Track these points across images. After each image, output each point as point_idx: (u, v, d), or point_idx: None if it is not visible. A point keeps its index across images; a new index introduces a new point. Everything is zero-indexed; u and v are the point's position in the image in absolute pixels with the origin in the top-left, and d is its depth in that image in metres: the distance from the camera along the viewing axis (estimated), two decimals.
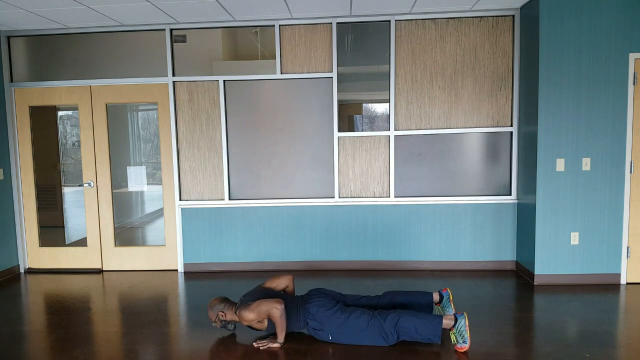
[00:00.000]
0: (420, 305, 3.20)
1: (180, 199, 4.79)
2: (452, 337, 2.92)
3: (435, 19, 4.45)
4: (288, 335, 3.09)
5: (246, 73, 4.63)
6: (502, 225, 4.58)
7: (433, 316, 2.92)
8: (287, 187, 4.73)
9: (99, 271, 4.93)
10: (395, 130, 4.56)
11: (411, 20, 4.46)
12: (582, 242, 4.10)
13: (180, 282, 4.53)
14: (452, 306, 3.21)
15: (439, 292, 3.28)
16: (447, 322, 2.89)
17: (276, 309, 2.92)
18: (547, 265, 4.14)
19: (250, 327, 3.08)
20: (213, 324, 3.17)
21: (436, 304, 3.28)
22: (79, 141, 4.92)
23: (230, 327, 3.15)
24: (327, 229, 4.70)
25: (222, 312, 3.10)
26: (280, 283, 3.31)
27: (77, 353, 2.98)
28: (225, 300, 3.17)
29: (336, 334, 2.99)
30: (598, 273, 4.12)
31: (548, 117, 4.01)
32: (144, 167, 5.53)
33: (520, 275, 4.43)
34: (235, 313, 3.07)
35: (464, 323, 2.85)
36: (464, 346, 2.84)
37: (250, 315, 2.96)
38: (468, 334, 2.84)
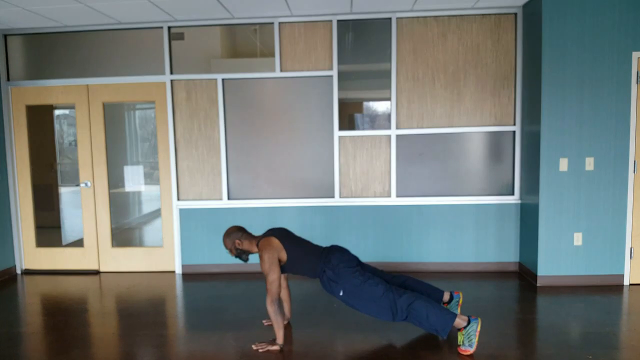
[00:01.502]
0: (430, 298, 3.16)
1: (178, 199, 4.74)
2: (460, 338, 2.87)
3: (437, 16, 4.40)
4: (287, 337, 3.06)
5: (245, 71, 4.58)
6: (504, 225, 4.54)
7: (448, 310, 2.88)
8: (287, 187, 4.68)
9: (96, 272, 4.88)
10: (396, 129, 4.51)
11: (413, 17, 4.41)
12: (586, 243, 4.06)
13: (178, 283, 4.48)
14: (459, 311, 3.18)
15: (451, 292, 3.25)
16: (459, 322, 2.85)
17: (268, 295, 2.87)
18: (550, 266, 4.10)
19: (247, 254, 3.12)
20: (227, 252, 3.14)
21: (444, 303, 3.24)
22: (75, 141, 4.87)
23: (245, 257, 3.12)
24: (327, 230, 4.65)
25: (239, 240, 3.07)
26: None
27: (74, 355, 2.94)
28: (244, 229, 3.15)
29: (348, 292, 2.95)
30: (601, 274, 4.08)
31: (551, 116, 3.97)
32: (141, 167, 5.48)
33: (523, 277, 4.39)
34: (257, 244, 3.04)
35: (475, 327, 2.80)
36: (469, 350, 2.80)
37: (265, 262, 2.91)
38: (476, 340, 2.79)
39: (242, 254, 3.11)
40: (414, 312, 2.85)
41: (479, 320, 2.84)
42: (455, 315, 2.85)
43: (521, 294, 3.96)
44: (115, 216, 5.02)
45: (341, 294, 2.98)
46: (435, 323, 2.83)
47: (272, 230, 3.16)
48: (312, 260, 3.04)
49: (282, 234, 3.10)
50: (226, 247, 3.12)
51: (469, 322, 2.83)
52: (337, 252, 3.07)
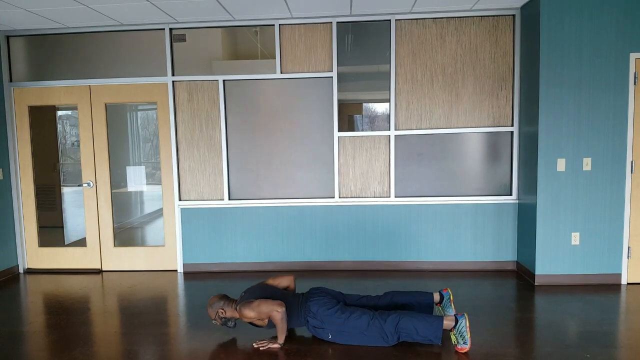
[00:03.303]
0: (421, 305, 3.19)
1: (180, 199, 4.78)
2: (453, 338, 2.91)
3: (435, 18, 4.43)
4: (288, 336, 3.08)
5: (246, 73, 4.62)
6: (502, 225, 4.57)
7: (433, 317, 2.91)
8: (287, 187, 4.72)
9: (98, 271, 4.91)
10: (395, 130, 4.55)
11: (411, 19, 4.44)
12: (583, 242, 4.09)
13: (179, 282, 4.51)
14: (453, 306, 3.20)
15: (440, 292, 3.27)
16: (447, 323, 2.88)
17: (277, 312, 2.91)
18: (547, 265, 4.13)
19: (251, 323, 3.07)
20: (213, 322, 3.15)
21: (437, 304, 3.26)
22: (78, 141, 4.91)
23: (231, 324, 3.13)
24: (327, 229, 4.68)
25: (222, 309, 3.08)
26: (282, 282, 3.33)
27: (76, 353, 2.97)
28: (225, 297, 3.16)
29: (336, 333, 2.98)
30: (599, 273, 4.11)
31: (549, 117, 4.00)
32: (143, 167, 5.52)
33: (521, 276, 4.42)
34: (236, 309, 3.05)
35: (464, 324, 2.84)
36: (465, 347, 2.83)
37: (250, 314, 2.95)
38: (469, 335, 2.83)
39: (227, 322, 3.11)
40: (403, 331, 2.89)
41: (466, 315, 2.87)
42: (441, 319, 2.88)
43: (519, 293, 3.99)
44: (117, 216, 5.06)
45: (330, 337, 3.00)
46: (426, 333, 2.86)
47: (247, 292, 3.15)
48: (293, 313, 3.06)
49: (256, 294, 3.09)
50: (211, 317, 3.12)
51: (456, 321, 2.87)
52: (315, 297, 3.09)
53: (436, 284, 4.19)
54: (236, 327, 3.20)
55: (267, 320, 3.01)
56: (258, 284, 3.27)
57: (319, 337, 3.05)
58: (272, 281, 3.32)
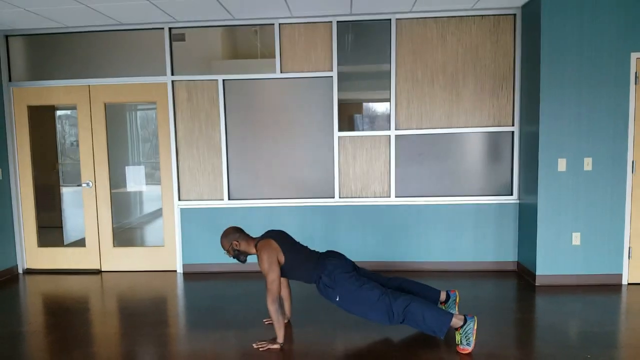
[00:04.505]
0: (427, 299, 3.18)
1: (179, 199, 4.76)
2: (457, 337, 2.89)
3: (436, 17, 4.42)
4: (287, 336, 3.08)
5: (246, 72, 4.61)
6: (503, 225, 4.56)
7: (444, 311, 2.90)
8: (287, 187, 4.71)
9: (98, 272, 4.90)
10: (396, 129, 4.54)
11: (412, 18, 4.43)
12: (584, 243, 4.08)
13: (179, 282, 4.50)
14: (457, 309, 3.19)
15: (447, 292, 3.27)
16: (456, 321, 2.87)
17: (269, 295, 2.88)
18: (548, 265, 4.12)
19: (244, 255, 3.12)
20: (225, 252, 3.13)
21: (441, 302, 3.26)
22: (77, 141, 4.90)
23: (242, 258, 3.12)
24: (327, 229, 4.67)
25: (237, 241, 3.07)
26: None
27: (75, 354, 2.96)
28: (241, 230, 3.15)
29: (345, 298, 2.98)
30: (600, 273, 4.10)
31: (549, 117, 3.99)
32: (142, 167, 5.51)
33: (522, 276, 4.41)
34: (255, 245, 3.05)
35: (472, 326, 2.82)
36: (467, 348, 2.82)
37: (263, 262, 2.93)
38: (474, 338, 2.81)
39: (239, 255, 3.11)
40: (411, 315, 2.88)
41: (475, 318, 2.86)
42: (451, 315, 2.87)
43: (520, 293, 3.98)
44: (116, 216, 5.05)
45: (337, 299, 3.01)
46: (432, 324, 2.85)
47: (270, 232, 3.18)
48: (308, 267, 3.06)
49: (280, 237, 3.12)
50: (224, 247, 3.12)
51: (465, 321, 2.86)
52: (333, 258, 3.10)
53: (436, 284, 4.15)
54: (246, 262, 3.16)
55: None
56: (282, 231, 3.23)
57: (325, 297, 3.05)
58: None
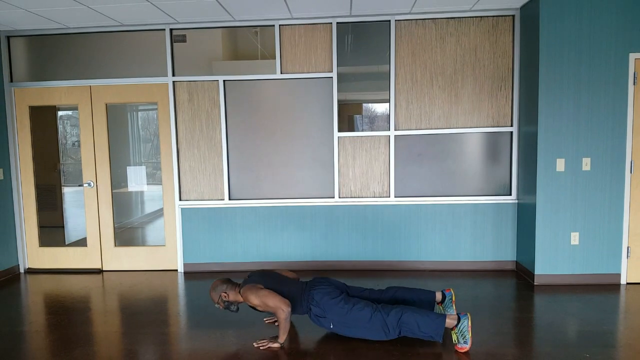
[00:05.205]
0: (422, 302, 3.20)
1: (180, 199, 4.79)
2: (454, 337, 2.91)
3: (435, 18, 4.44)
4: (288, 336, 3.09)
5: (246, 73, 4.63)
6: (502, 225, 4.58)
7: (436, 314, 2.92)
8: (287, 187, 4.73)
9: (99, 271, 4.93)
10: (395, 130, 4.56)
11: (411, 20, 4.45)
12: (582, 242, 4.10)
13: (180, 282, 4.52)
14: (454, 307, 3.21)
15: (442, 291, 3.28)
16: (450, 322, 2.89)
17: (282, 311, 2.90)
18: (547, 265, 4.14)
19: (253, 307, 3.06)
20: (216, 305, 3.13)
21: (438, 303, 3.27)
22: (78, 141, 4.92)
23: (233, 308, 3.12)
24: (327, 229, 4.69)
25: (225, 292, 3.08)
26: (287, 274, 3.35)
27: (77, 353, 2.98)
28: (228, 281, 3.15)
29: (338, 323, 2.99)
30: (598, 273, 4.12)
31: (548, 117, 4.01)
32: (143, 167, 5.53)
33: (520, 275, 4.43)
34: (239, 293, 3.05)
35: (466, 324, 2.85)
36: (465, 346, 2.84)
37: (255, 301, 2.95)
38: (470, 335, 2.83)
39: (230, 306, 3.11)
40: (405, 326, 2.90)
41: (469, 315, 2.88)
42: (444, 317, 2.89)
43: (518, 292, 4.00)
44: (118, 216, 5.07)
45: (331, 326, 3.02)
46: (428, 330, 2.87)
47: (252, 277, 3.16)
48: (296, 300, 3.07)
49: (262, 280, 3.10)
50: (213, 300, 3.11)
51: (459, 320, 2.88)
52: (319, 286, 3.10)
53: (436, 284, 4.20)
54: (238, 311, 3.18)
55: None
56: (263, 270, 3.26)
57: (320, 326, 3.06)
58: (279, 271, 3.34)
